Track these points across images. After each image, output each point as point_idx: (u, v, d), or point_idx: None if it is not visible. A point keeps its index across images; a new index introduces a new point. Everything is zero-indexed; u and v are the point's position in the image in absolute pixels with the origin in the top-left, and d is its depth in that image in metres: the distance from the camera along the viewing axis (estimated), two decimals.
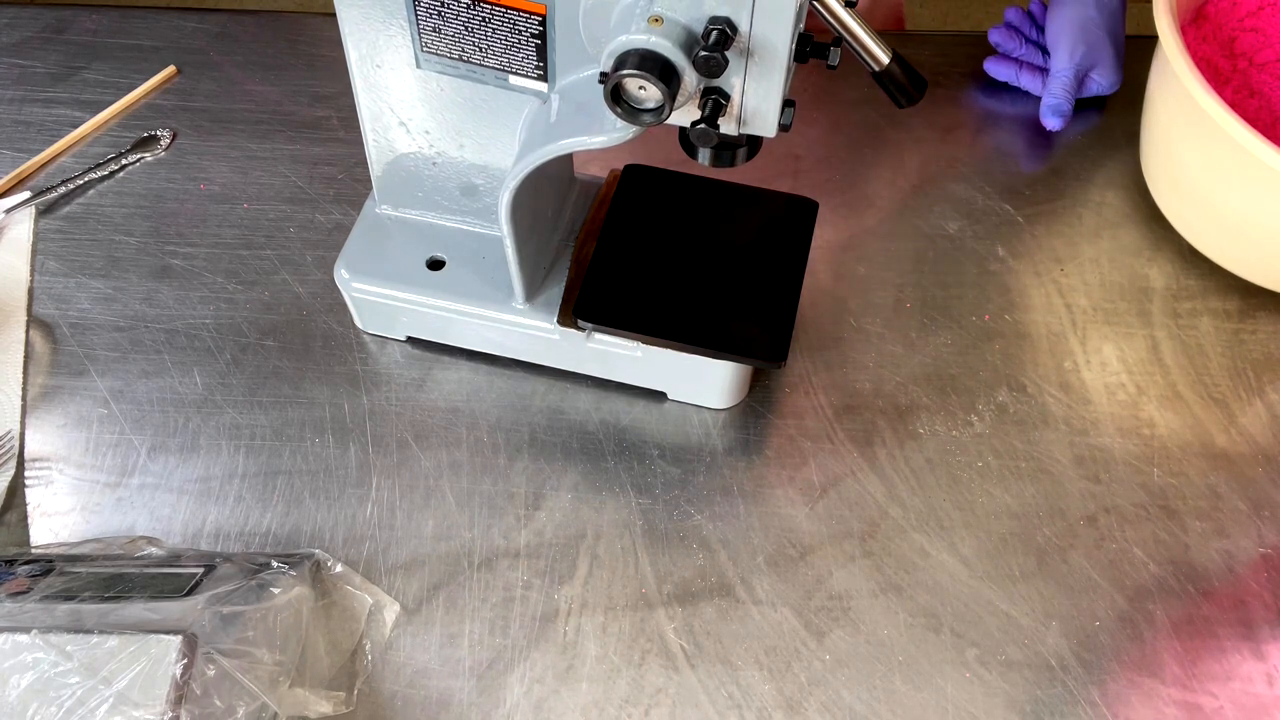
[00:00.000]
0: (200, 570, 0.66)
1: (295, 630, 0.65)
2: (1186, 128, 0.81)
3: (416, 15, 0.63)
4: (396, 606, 0.71)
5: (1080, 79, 0.92)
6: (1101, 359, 0.83)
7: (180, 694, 0.56)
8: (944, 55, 1.00)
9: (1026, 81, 0.95)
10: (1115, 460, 0.79)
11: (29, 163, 0.91)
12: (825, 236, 0.88)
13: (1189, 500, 0.77)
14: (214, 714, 0.58)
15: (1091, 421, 0.80)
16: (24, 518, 0.75)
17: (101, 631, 0.57)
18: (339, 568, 0.72)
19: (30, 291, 0.85)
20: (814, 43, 0.59)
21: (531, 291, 0.76)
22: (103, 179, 0.91)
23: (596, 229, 0.79)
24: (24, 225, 0.88)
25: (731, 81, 0.57)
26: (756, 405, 0.81)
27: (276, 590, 0.65)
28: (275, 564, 0.68)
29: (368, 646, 0.70)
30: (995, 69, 0.96)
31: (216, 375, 0.81)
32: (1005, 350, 0.84)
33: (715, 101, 0.57)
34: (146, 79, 0.96)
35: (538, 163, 0.64)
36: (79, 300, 0.84)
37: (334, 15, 0.66)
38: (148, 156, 0.92)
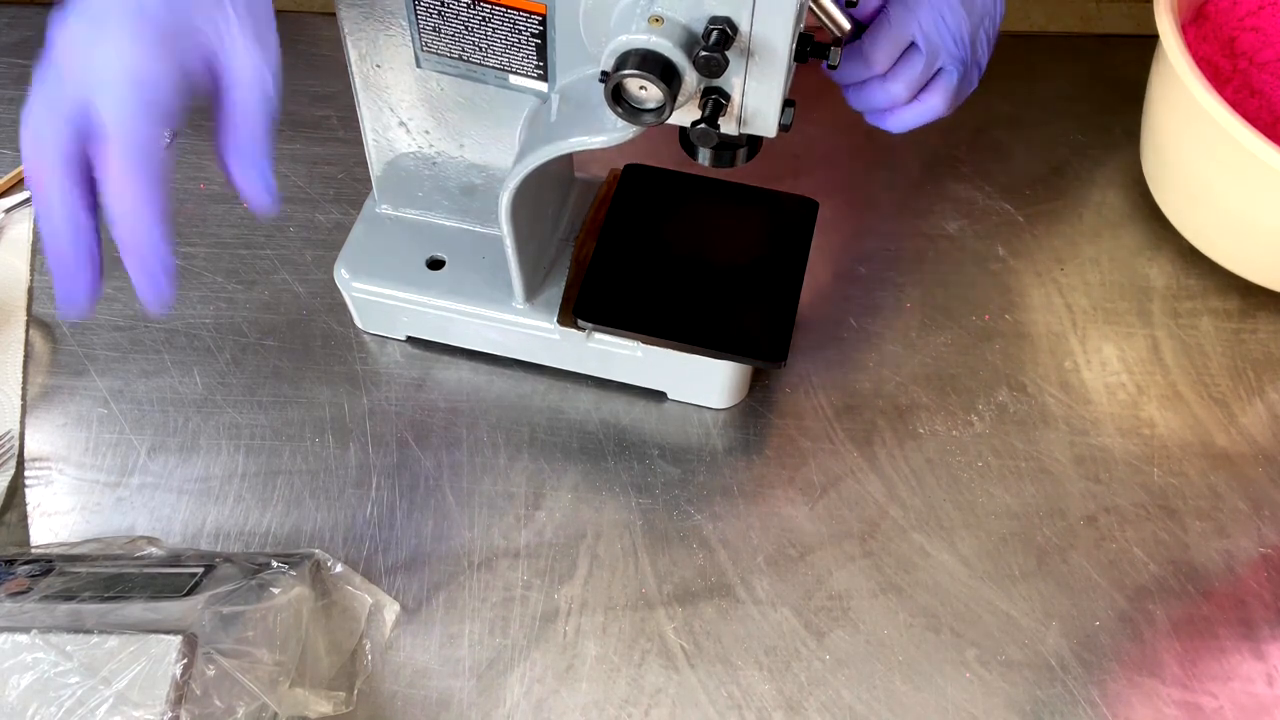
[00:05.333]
0: (200, 570, 0.66)
1: (295, 630, 0.65)
2: (1187, 127, 0.81)
3: (416, 15, 0.63)
4: (396, 606, 0.71)
5: None
6: (1101, 359, 0.83)
7: (180, 694, 0.56)
8: None
9: None
10: (1115, 460, 0.79)
11: None
12: (825, 236, 0.88)
13: (1189, 500, 0.77)
14: (214, 714, 0.57)
15: (1091, 421, 0.80)
16: (24, 517, 0.75)
17: (101, 631, 0.57)
18: (339, 568, 0.72)
19: (30, 291, 0.85)
20: (814, 43, 0.59)
21: (531, 291, 0.76)
22: None
23: (596, 229, 0.79)
24: (24, 225, 0.88)
25: (732, 81, 0.57)
26: (756, 405, 0.81)
27: (276, 590, 0.65)
28: (275, 564, 0.68)
29: (368, 646, 0.70)
30: None
31: (216, 375, 0.81)
32: (1005, 350, 0.84)
33: (715, 101, 0.57)
34: None
35: (538, 163, 0.64)
36: None
37: (334, 15, 0.66)
38: None
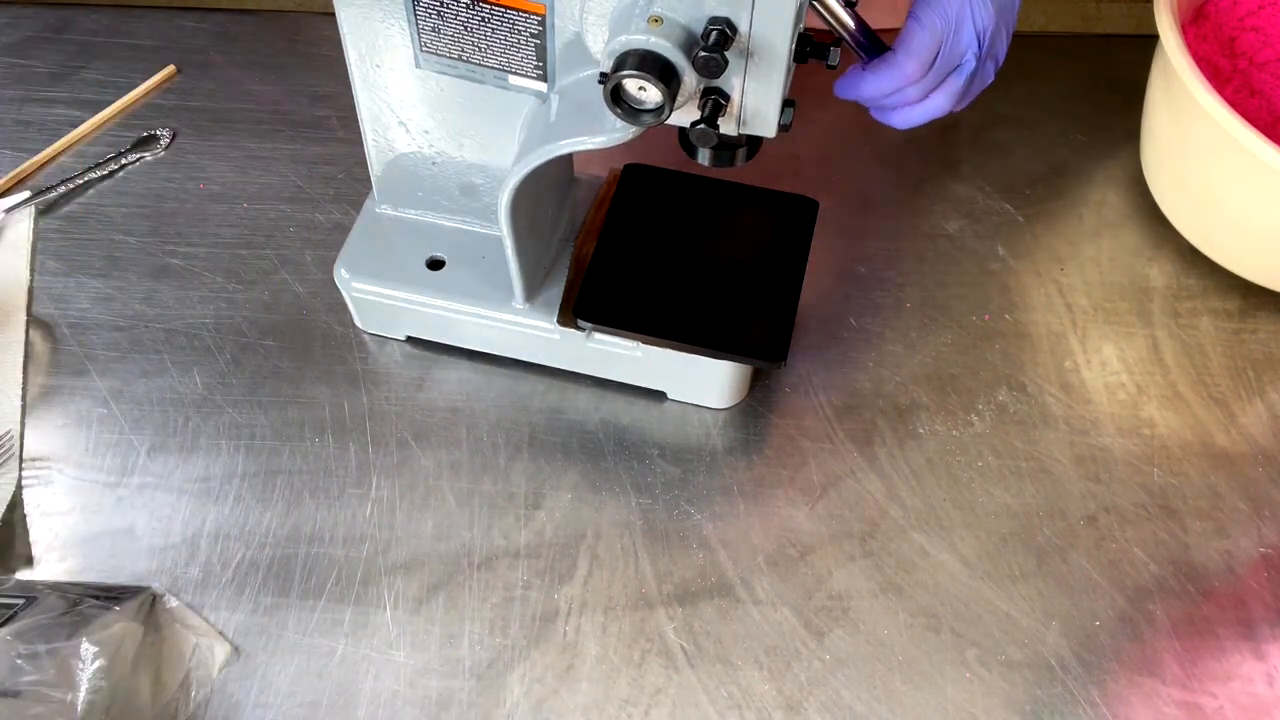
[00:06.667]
0: (20, 602, 0.65)
1: (114, 668, 0.64)
2: (1187, 127, 0.81)
3: (416, 15, 0.63)
4: (227, 646, 0.70)
5: None
6: (1101, 359, 0.83)
7: None
8: None
9: None
10: (1115, 460, 0.79)
11: (29, 162, 0.91)
12: (825, 236, 0.88)
13: (1189, 500, 0.77)
14: None
15: (1091, 421, 0.80)
16: (23, 518, 0.75)
17: None
18: (173, 603, 0.71)
19: (30, 291, 0.85)
20: (814, 43, 0.59)
21: (531, 291, 0.76)
22: (102, 178, 0.91)
23: (596, 229, 0.79)
24: (24, 225, 0.87)
25: (731, 82, 0.57)
26: (756, 405, 0.81)
27: (92, 627, 0.64)
28: (90, 601, 0.67)
29: (194, 685, 0.68)
30: None
31: (216, 375, 0.81)
32: (1005, 350, 0.84)
33: (715, 102, 0.57)
34: (146, 79, 0.96)
35: (537, 163, 0.64)
36: (79, 300, 0.84)
37: (334, 15, 0.66)
38: (147, 156, 0.92)
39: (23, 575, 0.72)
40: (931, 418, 0.80)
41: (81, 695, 0.62)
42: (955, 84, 0.67)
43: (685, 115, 0.58)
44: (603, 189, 0.81)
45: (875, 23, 1.03)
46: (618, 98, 0.55)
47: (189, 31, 1.00)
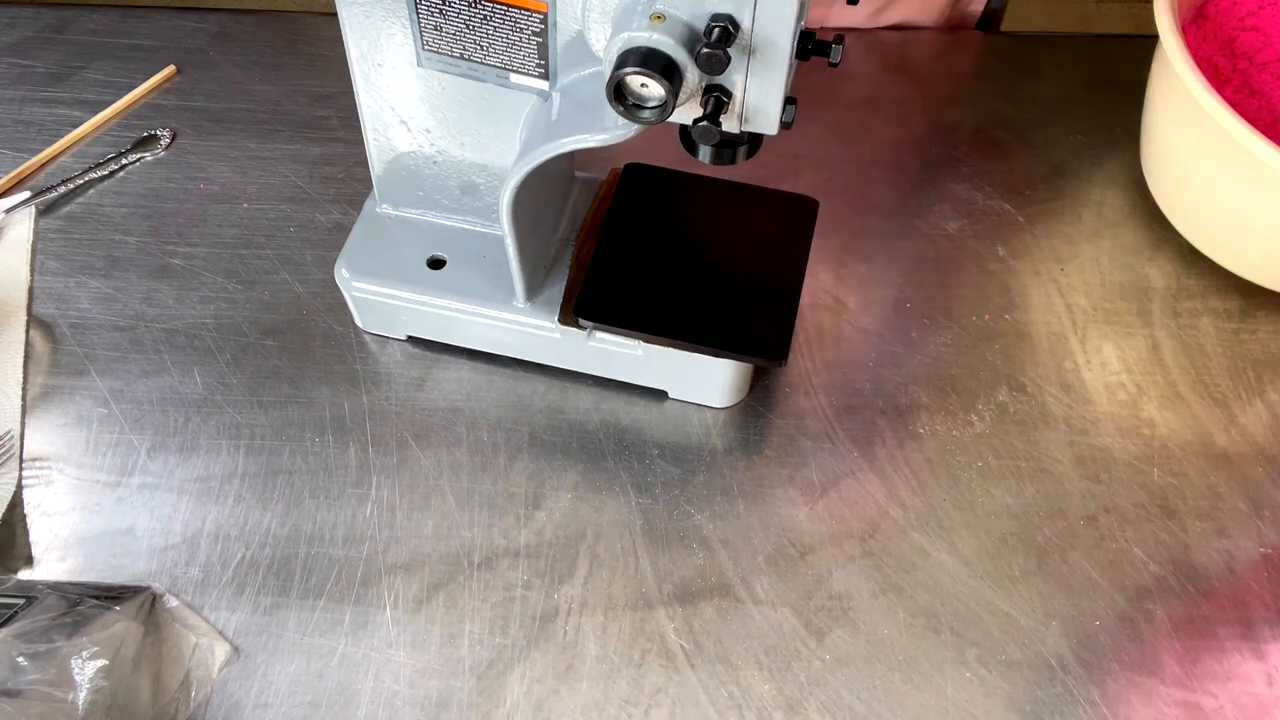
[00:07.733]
0: (20, 602, 0.65)
1: (115, 668, 0.64)
2: (1187, 127, 0.81)
3: (418, 14, 0.63)
4: (227, 646, 0.70)
5: None
6: (1101, 359, 0.83)
7: None
8: (943, 54, 1.00)
9: None
10: (1115, 460, 0.79)
11: (29, 163, 0.91)
12: (825, 236, 0.88)
13: (1189, 500, 0.77)
14: None
15: (1091, 421, 0.80)
16: (23, 518, 0.75)
17: None
18: (173, 603, 0.71)
19: (30, 291, 0.85)
20: (815, 40, 0.59)
21: (532, 290, 0.76)
22: (103, 179, 0.91)
23: (597, 228, 0.79)
24: (24, 225, 0.87)
25: (733, 79, 0.57)
26: (756, 405, 0.81)
27: (92, 627, 0.64)
28: (93, 600, 0.67)
29: (194, 685, 0.69)
30: None
31: (216, 375, 0.81)
32: (1005, 350, 0.84)
33: (717, 99, 0.57)
34: (146, 79, 0.96)
35: (539, 161, 0.64)
36: (79, 300, 0.84)
37: (334, 14, 0.66)
38: (148, 156, 0.92)
39: (23, 575, 0.72)
40: (931, 418, 0.80)
41: (82, 695, 0.62)
42: None
43: (687, 112, 0.58)
44: (603, 188, 0.81)
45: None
46: (620, 95, 0.55)
47: (189, 31, 1.00)
